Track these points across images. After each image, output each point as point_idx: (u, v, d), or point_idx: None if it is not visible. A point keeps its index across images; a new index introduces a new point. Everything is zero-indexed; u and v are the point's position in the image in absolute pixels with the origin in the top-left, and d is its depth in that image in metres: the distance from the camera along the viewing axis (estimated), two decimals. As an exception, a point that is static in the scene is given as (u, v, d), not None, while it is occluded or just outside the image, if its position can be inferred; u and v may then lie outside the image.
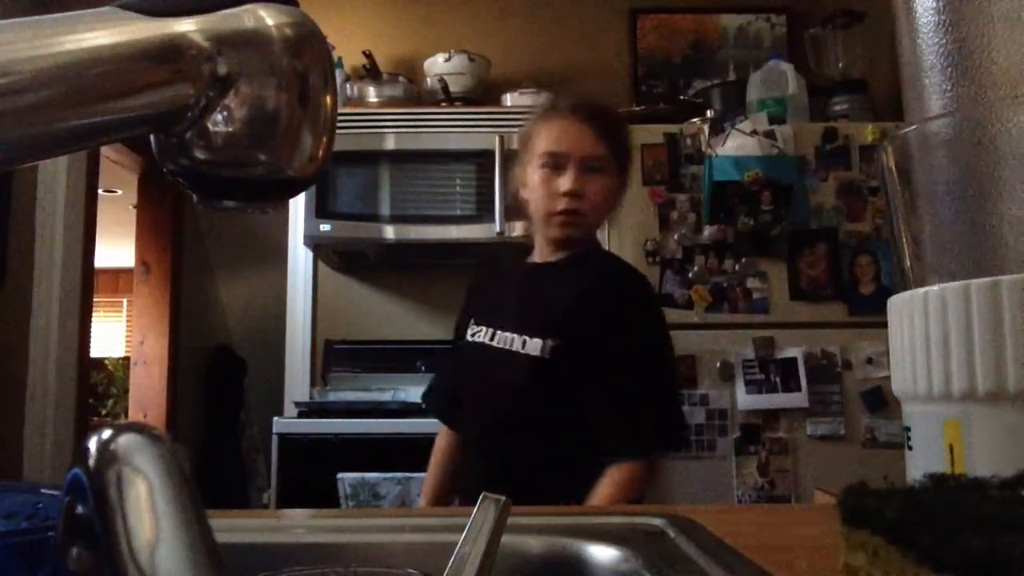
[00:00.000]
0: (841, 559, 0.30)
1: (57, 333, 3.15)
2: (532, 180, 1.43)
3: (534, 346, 1.34)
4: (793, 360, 2.29)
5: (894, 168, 0.39)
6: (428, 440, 1.60)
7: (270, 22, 0.37)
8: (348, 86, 2.90)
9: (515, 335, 1.37)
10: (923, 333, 0.34)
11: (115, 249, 6.34)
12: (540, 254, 1.49)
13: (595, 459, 1.30)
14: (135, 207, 4.68)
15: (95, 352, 4.04)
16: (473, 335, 1.46)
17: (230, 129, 0.36)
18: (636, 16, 3.19)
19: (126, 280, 6.41)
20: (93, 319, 3.54)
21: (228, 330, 4.80)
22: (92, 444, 0.31)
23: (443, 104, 2.84)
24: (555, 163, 1.39)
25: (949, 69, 0.42)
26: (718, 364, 2.30)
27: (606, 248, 1.79)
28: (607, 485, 1.28)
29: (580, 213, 1.39)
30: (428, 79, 2.90)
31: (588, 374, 1.33)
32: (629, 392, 1.33)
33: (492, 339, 1.41)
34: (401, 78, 2.95)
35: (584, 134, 1.39)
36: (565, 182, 1.37)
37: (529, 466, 1.31)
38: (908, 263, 0.39)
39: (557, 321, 1.36)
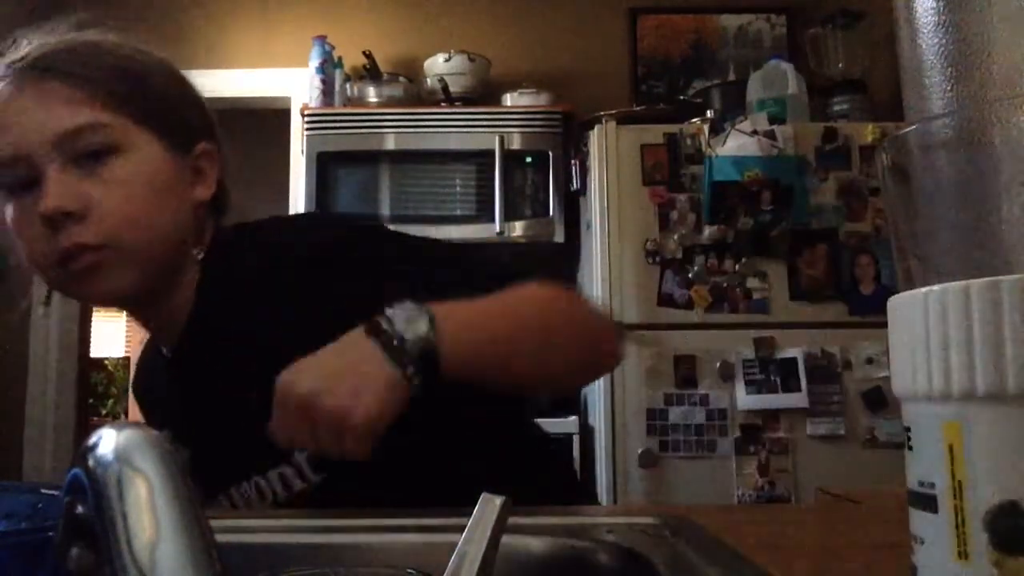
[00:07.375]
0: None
1: (57, 333, 3.15)
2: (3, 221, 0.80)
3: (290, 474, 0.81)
4: (793, 360, 2.29)
5: (894, 168, 0.39)
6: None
7: None
8: (348, 86, 2.91)
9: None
10: (923, 333, 0.34)
11: (115, 249, 6.33)
12: (156, 338, 0.91)
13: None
14: (135, 207, 4.70)
15: (95, 352, 4.05)
16: None
17: None
18: (636, 16, 3.19)
19: (126, 280, 6.39)
20: (93, 319, 3.55)
21: (228, 330, 4.81)
22: (92, 444, 0.31)
23: (443, 104, 2.84)
24: (16, 178, 0.76)
25: (949, 69, 0.42)
26: (718, 364, 2.30)
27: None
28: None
29: (95, 247, 0.75)
30: (428, 79, 2.90)
31: None
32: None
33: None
34: (401, 78, 2.95)
35: (46, 103, 0.76)
36: (41, 203, 0.74)
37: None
38: (908, 263, 0.39)
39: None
